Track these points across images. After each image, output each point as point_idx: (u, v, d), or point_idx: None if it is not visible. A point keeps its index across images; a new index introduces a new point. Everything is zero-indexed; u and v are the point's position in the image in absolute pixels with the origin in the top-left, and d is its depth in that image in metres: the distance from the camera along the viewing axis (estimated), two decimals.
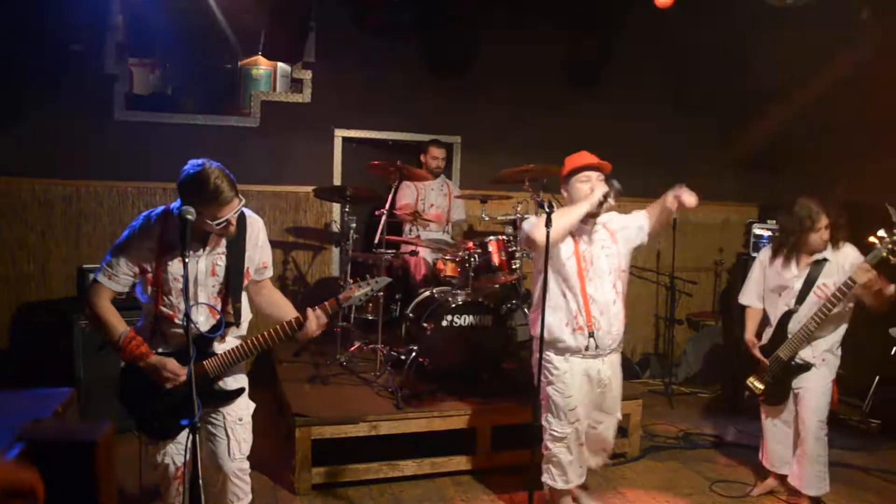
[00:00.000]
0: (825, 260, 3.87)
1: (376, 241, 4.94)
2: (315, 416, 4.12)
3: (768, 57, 6.47)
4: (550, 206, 3.16)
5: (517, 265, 5.05)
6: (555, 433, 3.55)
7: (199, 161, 2.67)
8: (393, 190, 5.09)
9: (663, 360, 6.84)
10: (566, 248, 3.43)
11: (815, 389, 3.88)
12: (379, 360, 4.86)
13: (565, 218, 3.32)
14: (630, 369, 6.45)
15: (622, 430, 4.84)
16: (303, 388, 4.62)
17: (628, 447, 4.79)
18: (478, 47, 6.33)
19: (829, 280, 3.82)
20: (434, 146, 5.96)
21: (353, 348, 5.13)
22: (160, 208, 2.82)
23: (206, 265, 2.78)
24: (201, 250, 2.75)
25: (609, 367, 3.53)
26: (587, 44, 6.63)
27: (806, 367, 3.89)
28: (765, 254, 4.16)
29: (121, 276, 2.76)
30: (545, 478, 3.65)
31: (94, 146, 5.49)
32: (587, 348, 3.41)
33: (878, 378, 5.64)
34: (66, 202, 5.47)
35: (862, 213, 5.92)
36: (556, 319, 3.44)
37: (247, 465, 2.99)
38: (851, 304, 3.88)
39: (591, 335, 3.39)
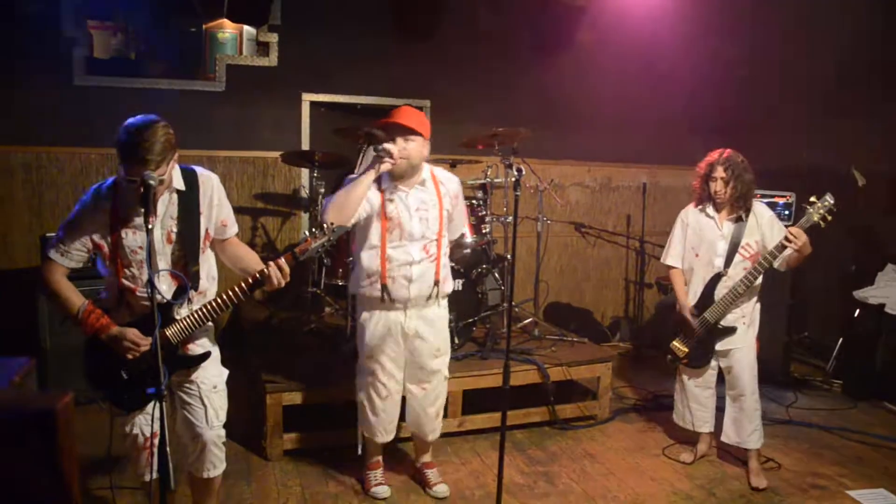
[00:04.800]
0: (741, 219, 3.93)
1: None
2: (285, 382, 4.12)
3: (735, 21, 6.48)
4: (519, 171, 3.16)
5: (487, 229, 5.05)
6: (357, 382, 3.71)
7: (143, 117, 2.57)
8: (361, 155, 5.03)
9: (633, 324, 6.92)
10: (374, 210, 3.43)
11: (745, 348, 3.99)
12: (349, 326, 4.85)
13: (346, 196, 3.31)
14: (600, 332, 6.53)
15: (592, 393, 4.92)
16: (273, 354, 4.60)
17: (598, 409, 4.85)
18: (447, 10, 6.24)
19: (752, 239, 3.89)
20: None
21: (323, 314, 5.11)
22: (110, 179, 2.73)
23: (161, 233, 2.70)
24: (153, 217, 2.56)
25: (418, 323, 3.56)
26: (557, 8, 6.57)
27: (731, 330, 3.96)
28: (685, 213, 4.18)
29: (73, 253, 2.68)
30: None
31: (55, 112, 5.34)
32: (382, 300, 3.47)
33: (841, 340, 5.75)
34: (27, 170, 5.33)
35: (828, 177, 6.03)
36: (358, 274, 3.54)
37: (223, 432, 2.97)
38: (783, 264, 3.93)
39: (383, 287, 3.44)
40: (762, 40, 6.55)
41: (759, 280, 3.92)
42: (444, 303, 3.71)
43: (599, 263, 7.25)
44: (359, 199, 3.33)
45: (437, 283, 3.54)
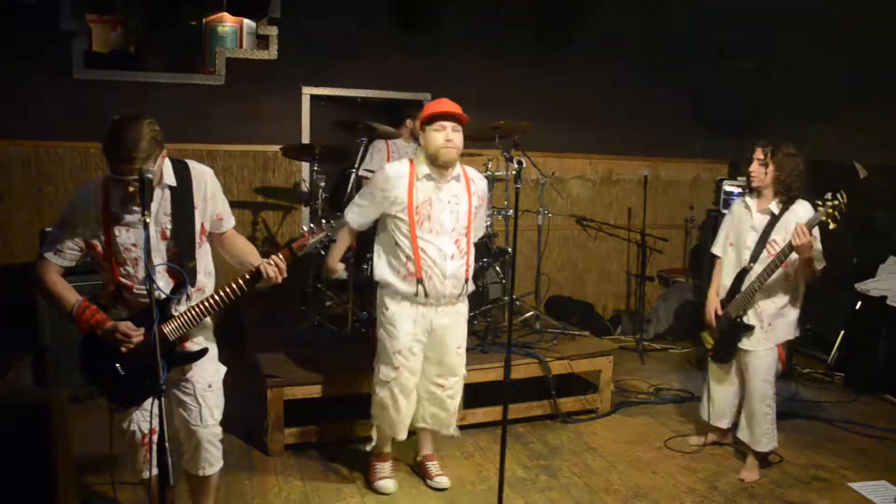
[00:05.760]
0: (776, 216, 3.81)
1: (345, 199, 4.88)
2: (287, 377, 4.11)
3: (738, 14, 6.45)
4: (520, 164, 3.16)
5: (488, 223, 5.03)
6: (380, 378, 3.61)
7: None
8: (362, 150, 5.01)
9: (634, 317, 6.91)
10: (401, 201, 3.43)
11: (757, 352, 3.90)
12: (350, 320, 4.84)
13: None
14: (601, 326, 6.52)
15: (593, 386, 4.91)
16: (274, 348, 4.58)
17: (600, 403, 4.85)
18: (448, 2, 6.21)
19: (779, 237, 3.78)
20: None
21: (324, 308, 5.10)
22: (100, 178, 2.70)
23: (156, 230, 2.68)
24: (147, 213, 2.47)
25: (446, 318, 3.55)
26: (558, 1, 6.55)
27: (748, 327, 3.89)
28: (733, 204, 4.14)
29: (67, 252, 2.67)
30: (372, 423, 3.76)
31: (53, 106, 5.32)
32: (416, 294, 3.45)
33: (843, 332, 5.74)
34: (26, 164, 5.31)
35: (831, 171, 6.00)
36: (388, 266, 3.51)
37: (219, 430, 2.96)
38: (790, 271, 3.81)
39: (419, 282, 3.42)
40: (766, 33, 6.52)
41: (788, 292, 3.85)
42: (466, 300, 3.71)
43: (601, 257, 7.24)
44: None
45: (466, 280, 3.54)
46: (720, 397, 4.20)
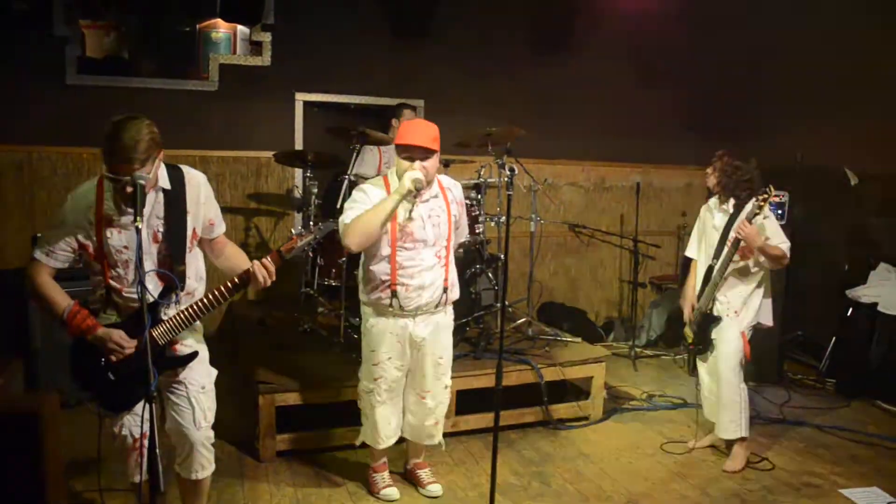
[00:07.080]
0: (732, 214, 4.07)
1: (338, 205, 4.88)
2: (278, 383, 4.10)
3: (732, 22, 6.49)
4: (512, 170, 3.17)
5: (480, 229, 5.03)
6: (361, 387, 3.67)
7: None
8: (355, 154, 5.02)
9: (627, 324, 6.92)
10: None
11: (722, 339, 4.10)
12: (342, 327, 4.83)
13: (374, 218, 3.29)
14: (594, 332, 6.53)
15: (586, 393, 4.91)
16: (266, 354, 4.58)
17: (592, 409, 4.85)
18: (441, 9, 6.23)
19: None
20: (408, 110, 5.83)
21: (316, 315, 5.10)
22: (94, 179, 2.70)
23: (148, 232, 2.67)
24: (138, 217, 2.46)
25: (425, 330, 3.53)
26: (552, 8, 6.58)
27: (717, 319, 4.10)
28: (702, 209, 4.42)
29: (59, 253, 2.66)
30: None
31: (46, 111, 5.32)
32: (391, 306, 3.45)
33: (834, 339, 5.76)
34: (18, 169, 5.30)
35: (822, 176, 6.03)
36: (371, 276, 3.49)
37: (212, 433, 2.94)
38: (759, 260, 4.03)
39: (393, 294, 3.42)
40: (758, 40, 6.56)
41: (751, 282, 4.08)
42: (451, 311, 3.67)
43: (593, 263, 7.25)
44: (384, 225, 3.34)
45: (445, 289, 3.52)
46: (708, 391, 4.32)
